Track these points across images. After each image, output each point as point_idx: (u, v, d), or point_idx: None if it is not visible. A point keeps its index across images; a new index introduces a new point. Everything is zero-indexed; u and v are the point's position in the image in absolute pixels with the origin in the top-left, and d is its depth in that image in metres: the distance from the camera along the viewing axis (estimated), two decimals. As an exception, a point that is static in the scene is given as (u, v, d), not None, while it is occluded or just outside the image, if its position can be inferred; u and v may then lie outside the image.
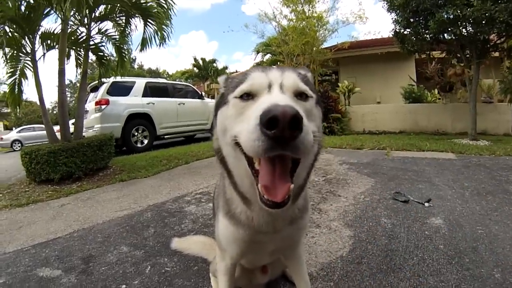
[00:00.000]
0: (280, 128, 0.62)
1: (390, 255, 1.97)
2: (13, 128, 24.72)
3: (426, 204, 2.85)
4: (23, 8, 4.81)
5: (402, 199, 2.99)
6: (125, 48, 6.16)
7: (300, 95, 0.84)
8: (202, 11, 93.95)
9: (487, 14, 5.59)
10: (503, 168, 4.08)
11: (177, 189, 3.91)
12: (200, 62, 28.50)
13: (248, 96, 0.82)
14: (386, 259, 1.92)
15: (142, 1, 5.47)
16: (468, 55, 7.37)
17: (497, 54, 7.97)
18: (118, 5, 5.48)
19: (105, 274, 1.94)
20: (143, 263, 2.05)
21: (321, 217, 2.69)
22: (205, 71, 28.16)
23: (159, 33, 5.70)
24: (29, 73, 5.45)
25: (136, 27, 6.04)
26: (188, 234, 2.48)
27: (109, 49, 6.26)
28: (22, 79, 5.56)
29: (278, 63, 13.67)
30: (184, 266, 1.97)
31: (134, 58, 35.09)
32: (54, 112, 33.46)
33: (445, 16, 6.27)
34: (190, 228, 2.62)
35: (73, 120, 6.14)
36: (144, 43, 5.88)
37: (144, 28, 5.76)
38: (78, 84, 7.14)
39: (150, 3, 5.51)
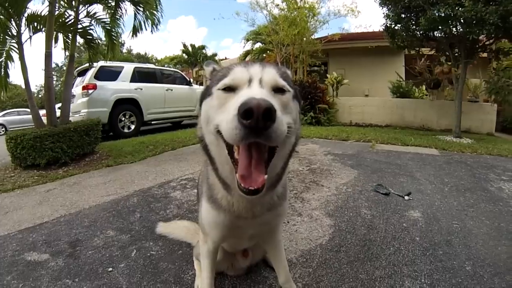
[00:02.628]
0: (254, 119, 0.69)
1: (368, 244, 2.06)
2: (-3, 112, 23.95)
3: (406, 198, 2.94)
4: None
5: (383, 191, 3.08)
6: (115, 31, 6.04)
7: (278, 90, 0.90)
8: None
9: (477, 15, 5.64)
10: (483, 166, 4.21)
11: (163, 174, 3.93)
12: (189, 48, 27.99)
13: (231, 89, 0.88)
14: (363, 249, 2.00)
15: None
16: (456, 54, 7.48)
17: (485, 55, 8.10)
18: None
19: (92, 257, 1.97)
20: (129, 247, 2.09)
21: (303, 206, 2.77)
22: (194, 58, 27.67)
23: (149, 18, 5.62)
24: (15, 56, 5.28)
25: (126, 10, 5.93)
26: (173, 219, 2.52)
27: (98, 32, 6.12)
28: (9, 62, 5.41)
29: (268, 52, 13.61)
30: (168, 250, 2.02)
31: (123, 42, 34.22)
32: (40, 96, 32.64)
33: (437, 14, 6.31)
34: (175, 214, 2.67)
35: (59, 105, 6.02)
36: (135, 30, 5.80)
37: (135, 13, 5.67)
38: (64, 68, 6.98)
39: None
